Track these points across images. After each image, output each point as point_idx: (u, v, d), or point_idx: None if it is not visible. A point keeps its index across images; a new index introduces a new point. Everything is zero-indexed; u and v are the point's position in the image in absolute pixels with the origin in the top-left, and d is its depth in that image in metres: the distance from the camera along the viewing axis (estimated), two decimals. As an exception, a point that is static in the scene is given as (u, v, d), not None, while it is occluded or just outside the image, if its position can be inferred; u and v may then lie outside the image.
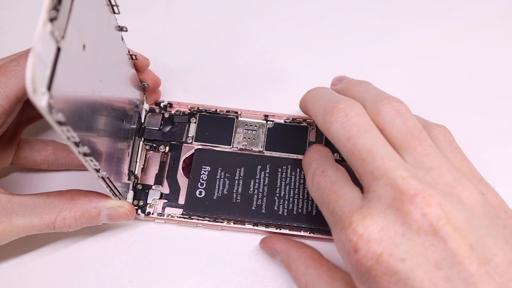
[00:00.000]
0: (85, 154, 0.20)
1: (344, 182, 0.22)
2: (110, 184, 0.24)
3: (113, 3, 0.23)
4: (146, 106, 0.31)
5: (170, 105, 0.32)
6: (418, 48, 0.34)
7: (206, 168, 0.29)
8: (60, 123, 0.17)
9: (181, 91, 0.33)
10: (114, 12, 0.24)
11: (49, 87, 0.17)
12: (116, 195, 0.26)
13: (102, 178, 0.23)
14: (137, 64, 0.28)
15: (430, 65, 0.34)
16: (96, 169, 0.22)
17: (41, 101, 0.16)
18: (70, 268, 0.28)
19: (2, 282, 0.27)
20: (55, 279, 0.27)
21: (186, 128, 0.31)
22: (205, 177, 0.29)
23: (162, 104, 0.32)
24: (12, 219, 0.24)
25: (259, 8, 0.36)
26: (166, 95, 0.32)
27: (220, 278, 0.28)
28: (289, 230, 0.28)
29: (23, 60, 0.24)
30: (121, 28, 0.25)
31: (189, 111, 0.31)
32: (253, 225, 0.28)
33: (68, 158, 0.30)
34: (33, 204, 0.24)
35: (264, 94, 0.33)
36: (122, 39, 0.26)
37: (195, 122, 0.31)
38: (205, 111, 0.31)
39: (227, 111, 0.31)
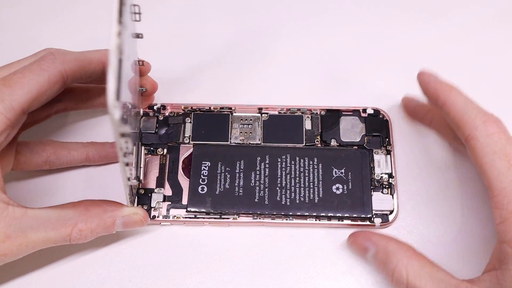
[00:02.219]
0: (127, 164, 0.20)
1: None
2: (134, 191, 0.24)
3: (137, 11, 0.23)
4: (140, 111, 0.32)
5: (164, 107, 0.32)
6: (417, 48, 0.34)
7: (206, 164, 0.29)
8: (123, 135, 0.18)
9: (173, 92, 0.33)
10: (137, 20, 0.24)
11: (117, 99, 0.17)
12: (132, 202, 0.26)
13: (131, 186, 0.23)
14: (143, 69, 0.29)
15: (429, 65, 0.33)
16: (128, 178, 0.22)
17: (115, 114, 0.16)
18: (70, 268, 0.28)
19: (1, 281, 0.28)
20: (55, 279, 0.28)
21: (182, 128, 0.31)
22: (205, 172, 0.29)
23: (155, 107, 0.32)
24: (27, 233, 0.23)
25: (258, 6, 0.36)
26: (158, 97, 0.32)
27: (220, 278, 0.28)
28: (295, 219, 0.28)
29: (28, 72, 0.24)
30: (137, 35, 0.25)
31: (183, 111, 0.31)
32: (258, 217, 0.28)
33: (69, 156, 0.29)
34: (47, 217, 0.24)
35: (257, 88, 0.33)
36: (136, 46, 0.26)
37: (190, 122, 0.31)
38: (199, 109, 0.31)
39: (221, 108, 0.31)
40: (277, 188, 0.29)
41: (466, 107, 0.24)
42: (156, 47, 0.35)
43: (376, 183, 0.29)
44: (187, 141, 0.31)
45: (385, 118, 0.31)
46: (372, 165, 0.29)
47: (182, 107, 0.32)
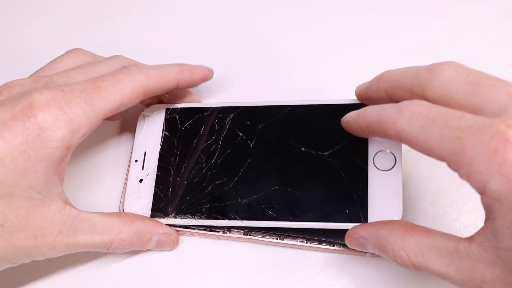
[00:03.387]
0: None
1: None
2: None
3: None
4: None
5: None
6: (418, 48, 0.34)
7: None
8: None
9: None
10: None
11: None
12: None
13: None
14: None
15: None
16: None
17: None
18: (70, 268, 0.29)
19: (1, 280, 0.28)
20: (55, 279, 0.28)
21: None
22: None
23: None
24: (77, 234, 0.25)
25: (259, 7, 0.37)
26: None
27: (220, 278, 0.28)
28: (285, 239, 0.28)
29: (116, 82, 0.25)
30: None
31: None
32: (249, 234, 0.28)
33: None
34: (95, 222, 0.25)
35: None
36: None
37: None
38: None
39: None
40: None
41: (380, 112, 0.23)
42: (157, 48, 0.36)
43: None
44: None
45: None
46: None
47: None
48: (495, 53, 0.34)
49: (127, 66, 0.27)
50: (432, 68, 0.23)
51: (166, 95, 0.31)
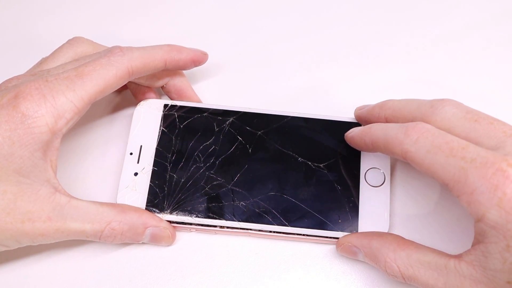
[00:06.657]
0: None
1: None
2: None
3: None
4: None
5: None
6: (418, 49, 0.35)
7: None
8: None
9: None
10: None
11: None
12: None
13: None
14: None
15: (429, 66, 0.34)
16: None
17: None
18: (70, 268, 0.29)
19: (3, 281, 0.28)
20: (55, 279, 0.28)
21: None
22: None
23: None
24: (67, 221, 0.25)
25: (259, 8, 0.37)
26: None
27: (220, 278, 0.28)
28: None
29: (99, 66, 0.26)
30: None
31: None
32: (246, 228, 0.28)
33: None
34: (87, 210, 0.26)
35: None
36: None
37: None
38: None
39: None
40: None
41: (386, 131, 0.25)
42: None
43: None
44: None
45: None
46: None
47: None
48: (495, 54, 0.34)
49: (111, 49, 0.27)
50: (434, 104, 0.25)
51: (165, 85, 0.31)
